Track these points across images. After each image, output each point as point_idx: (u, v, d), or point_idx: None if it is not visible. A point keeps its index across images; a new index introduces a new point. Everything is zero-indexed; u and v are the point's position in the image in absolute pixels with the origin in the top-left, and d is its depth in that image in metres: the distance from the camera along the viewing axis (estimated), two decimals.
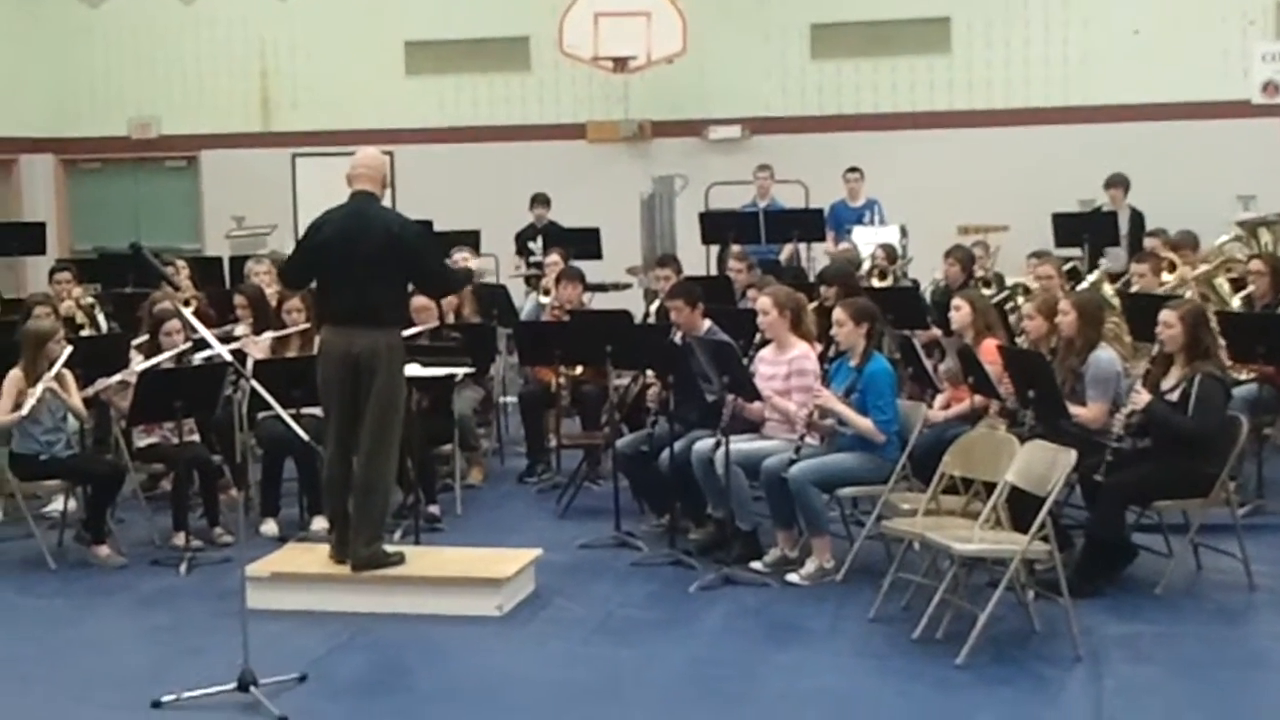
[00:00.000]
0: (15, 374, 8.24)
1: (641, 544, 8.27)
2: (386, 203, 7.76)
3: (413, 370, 7.81)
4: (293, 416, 6.79)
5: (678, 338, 8.59)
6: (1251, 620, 7.19)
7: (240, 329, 9.76)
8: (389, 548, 7.51)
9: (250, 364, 8.60)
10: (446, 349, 9.15)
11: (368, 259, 7.26)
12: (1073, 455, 6.63)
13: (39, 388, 8.11)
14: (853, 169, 14.70)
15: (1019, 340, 8.85)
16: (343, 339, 7.32)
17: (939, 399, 8.47)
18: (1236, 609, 7.26)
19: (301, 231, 8.37)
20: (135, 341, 9.24)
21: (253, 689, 5.98)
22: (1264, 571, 7.49)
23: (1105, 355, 7.79)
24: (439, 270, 7.87)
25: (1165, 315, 7.47)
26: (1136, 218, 13.92)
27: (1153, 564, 7.51)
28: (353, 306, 7.29)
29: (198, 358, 8.74)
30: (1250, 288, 9.79)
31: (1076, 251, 12.67)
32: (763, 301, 8.12)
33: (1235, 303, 9.97)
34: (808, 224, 13.79)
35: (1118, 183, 14.14)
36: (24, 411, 8.07)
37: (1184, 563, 7.53)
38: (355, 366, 7.27)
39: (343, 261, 7.30)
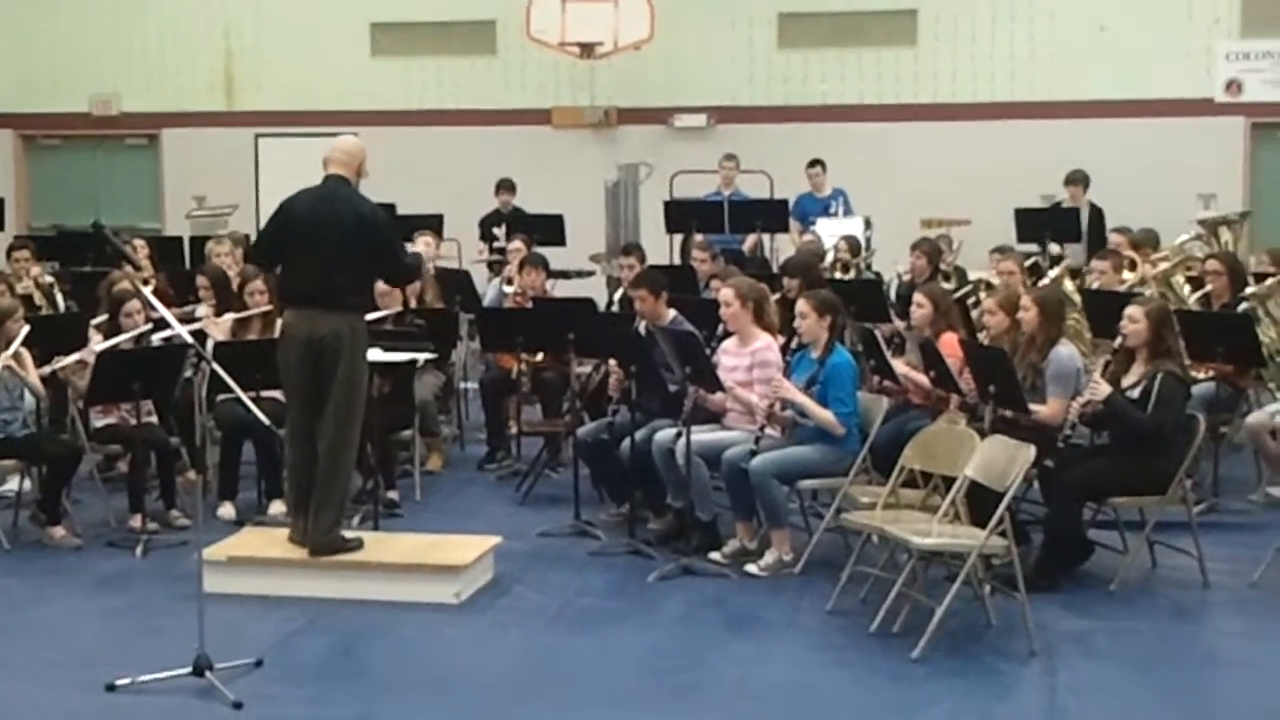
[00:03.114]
0: None
1: (600, 533, 8.26)
2: (360, 187, 7.69)
3: (374, 355, 7.77)
4: (252, 399, 6.76)
5: (641, 327, 8.58)
6: (1205, 618, 7.26)
7: (201, 310, 9.68)
8: (347, 533, 7.49)
9: (210, 346, 8.55)
10: (409, 334, 9.12)
11: (335, 242, 7.22)
12: (1031, 451, 6.66)
13: None
14: (814, 163, 14.64)
15: (980, 335, 8.89)
16: (306, 322, 7.28)
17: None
18: (1190, 606, 7.32)
19: (265, 212, 8.30)
20: (95, 321, 9.16)
21: (208, 673, 5.96)
22: (1218, 569, 7.54)
23: (1066, 351, 7.83)
24: (402, 259, 7.77)
25: (1132, 310, 7.51)
26: (1096, 213, 13.99)
27: (1108, 560, 7.56)
28: (317, 289, 7.25)
29: (157, 338, 8.68)
30: (1208, 287, 9.85)
31: (1035, 247, 12.71)
32: (725, 293, 8.12)
33: (1193, 301, 10.03)
34: (771, 214, 13.78)
35: (1077, 179, 14.19)
36: None
37: (1139, 559, 7.58)
38: (318, 351, 7.23)
39: (309, 243, 7.26)
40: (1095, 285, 10.26)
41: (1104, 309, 9.08)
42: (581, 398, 9.18)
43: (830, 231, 13.17)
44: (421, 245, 11.03)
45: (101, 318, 9.11)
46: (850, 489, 7.54)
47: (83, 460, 8.51)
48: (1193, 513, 7.62)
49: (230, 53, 17.59)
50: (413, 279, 9.16)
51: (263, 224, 7.95)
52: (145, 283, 9.92)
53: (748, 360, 7.97)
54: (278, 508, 8.54)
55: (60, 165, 18.33)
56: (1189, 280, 10.43)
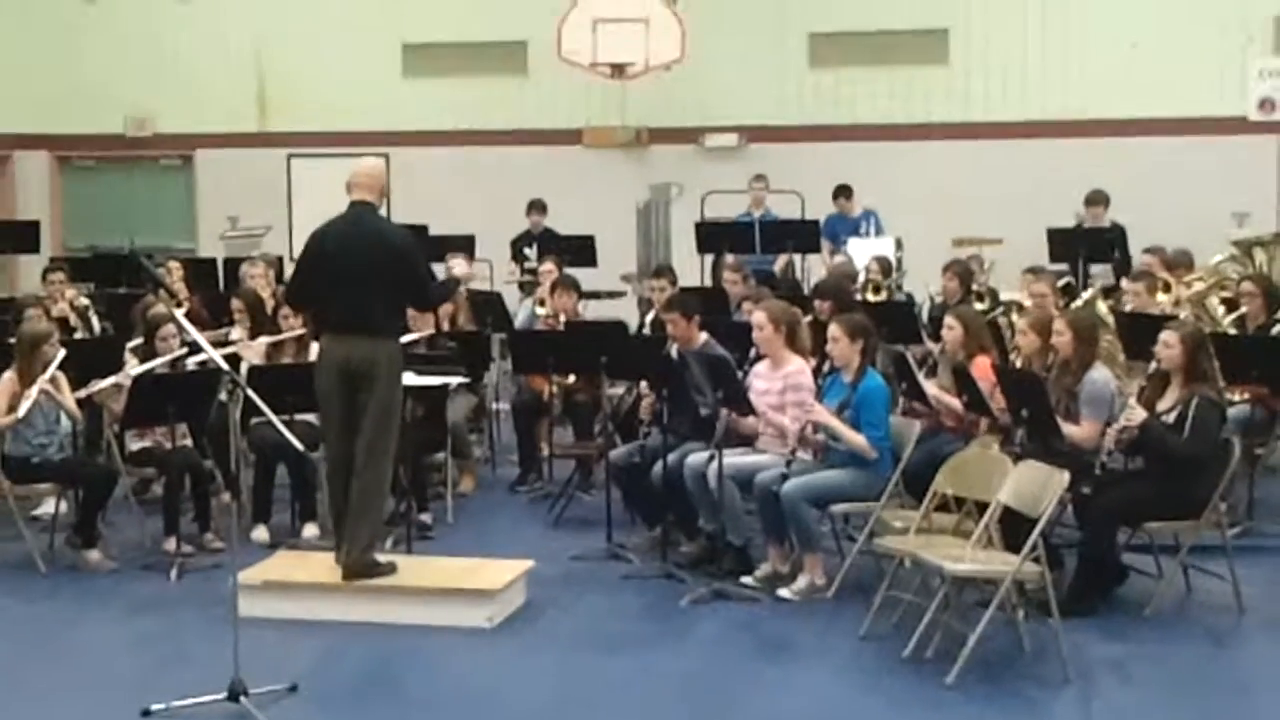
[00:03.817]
0: (9, 376, 8.24)
1: (633, 556, 8.26)
2: (383, 208, 7.75)
3: (408, 379, 7.80)
4: (285, 423, 6.78)
5: (673, 350, 8.58)
6: (1240, 643, 7.21)
7: (236, 333, 9.76)
8: (381, 557, 7.50)
9: (244, 369, 8.60)
10: (442, 357, 9.14)
11: (366, 269, 7.27)
12: (1065, 476, 6.62)
13: (34, 390, 8.11)
14: (839, 191, 14.54)
15: (1011, 356, 8.86)
16: (341, 348, 7.32)
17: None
18: (1225, 631, 7.28)
19: (298, 232, 8.35)
20: (130, 345, 9.23)
21: (243, 699, 5.98)
22: (1253, 594, 7.48)
23: (1100, 375, 7.79)
24: (430, 285, 7.79)
25: (1167, 335, 7.48)
26: (1119, 233, 13.80)
27: (1143, 585, 7.52)
28: (351, 316, 7.29)
29: (192, 362, 8.74)
30: (1243, 308, 9.80)
31: (1064, 266, 12.64)
32: (758, 317, 8.12)
33: (1227, 323, 9.97)
34: (803, 235, 13.78)
35: (1098, 199, 13.95)
36: (19, 414, 8.07)
37: (1174, 584, 7.53)
38: (354, 376, 7.27)
39: (342, 271, 7.30)
40: (1129, 307, 10.22)
41: (1138, 331, 9.05)
42: (614, 420, 9.19)
43: (861, 252, 13.16)
44: (460, 264, 11.00)
45: (137, 341, 9.18)
46: (883, 513, 7.52)
47: (118, 483, 8.57)
48: (1227, 536, 7.57)
49: (263, 74, 17.70)
50: (442, 303, 9.14)
51: (297, 243, 7.99)
52: (179, 305, 9.99)
53: (780, 384, 7.96)
54: (311, 530, 8.59)
55: (95, 186, 18.47)
56: (1224, 302, 10.38)
